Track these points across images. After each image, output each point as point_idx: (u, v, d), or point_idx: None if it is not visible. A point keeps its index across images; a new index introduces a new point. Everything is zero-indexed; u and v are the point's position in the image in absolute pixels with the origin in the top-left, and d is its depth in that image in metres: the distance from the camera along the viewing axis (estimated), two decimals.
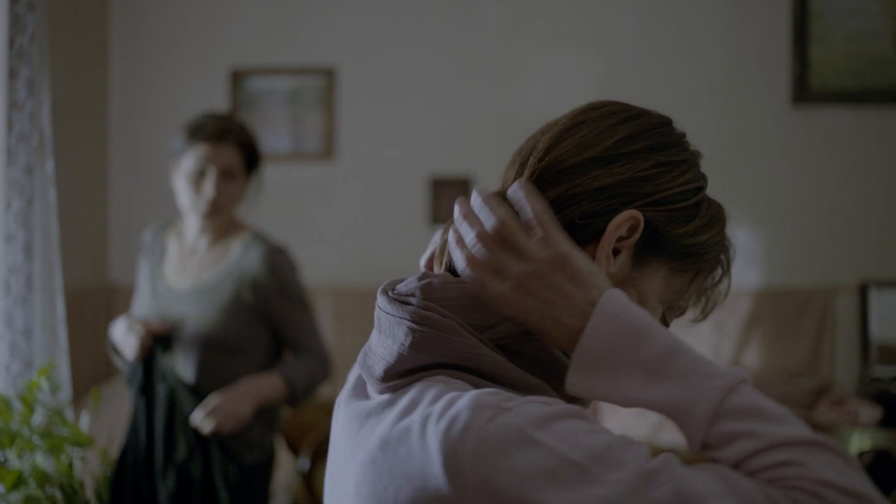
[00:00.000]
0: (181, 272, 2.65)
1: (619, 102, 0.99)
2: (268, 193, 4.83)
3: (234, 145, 2.59)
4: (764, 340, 4.49)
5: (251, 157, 2.67)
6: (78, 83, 4.45)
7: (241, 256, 2.64)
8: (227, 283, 2.60)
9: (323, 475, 2.75)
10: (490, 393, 0.76)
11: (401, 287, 0.88)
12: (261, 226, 4.83)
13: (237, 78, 4.80)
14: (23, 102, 3.38)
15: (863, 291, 4.46)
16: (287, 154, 4.81)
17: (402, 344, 0.84)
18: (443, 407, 0.77)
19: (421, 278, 0.87)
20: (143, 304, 2.65)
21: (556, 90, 4.72)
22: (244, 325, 2.58)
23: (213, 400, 2.42)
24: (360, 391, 0.93)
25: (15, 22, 3.38)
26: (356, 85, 4.79)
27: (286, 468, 4.04)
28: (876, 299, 4.43)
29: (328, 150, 4.78)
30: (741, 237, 4.58)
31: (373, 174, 4.80)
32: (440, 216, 4.76)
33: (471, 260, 0.85)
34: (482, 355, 0.82)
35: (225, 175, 2.59)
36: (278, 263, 2.63)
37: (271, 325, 2.62)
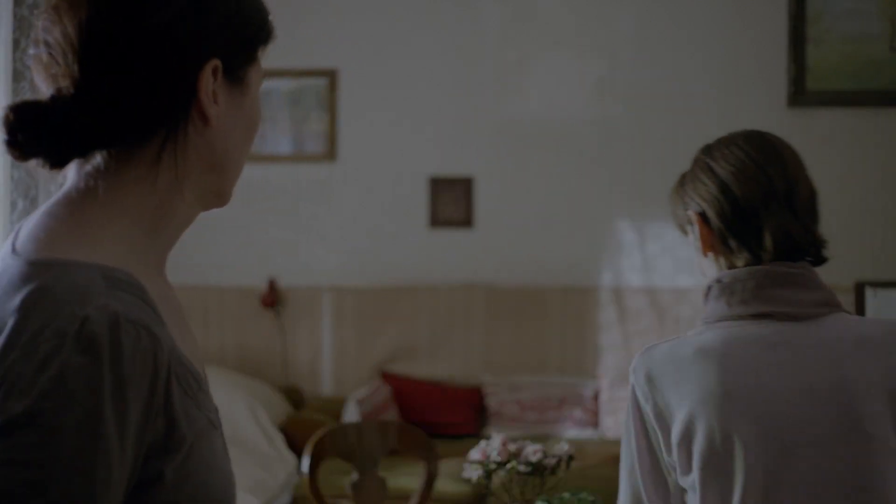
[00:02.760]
0: (196, 348, 1.20)
1: None
2: (269, 194, 4.87)
3: None
4: None
5: None
6: None
7: None
8: None
9: (324, 475, 2.78)
10: None
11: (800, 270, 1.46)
12: (262, 226, 4.89)
13: None
14: None
15: (859, 292, 4.49)
16: (288, 155, 4.84)
17: (829, 295, 1.45)
18: (889, 326, 1.41)
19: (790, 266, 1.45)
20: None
21: (555, 91, 4.75)
22: None
23: None
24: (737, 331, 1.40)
25: (19, 24, 3.42)
26: (357, 86, 4.82)
27: (287, 468, 4.07)
28: (872, 300, 4.46)
29: (329, 152, 4.82)
30: None
31: (373, 175, 4.83)
32: (440, 216, 4.79)
33: None
34: None
35: None
36: None
37: None
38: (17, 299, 0.85)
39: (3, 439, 0.81)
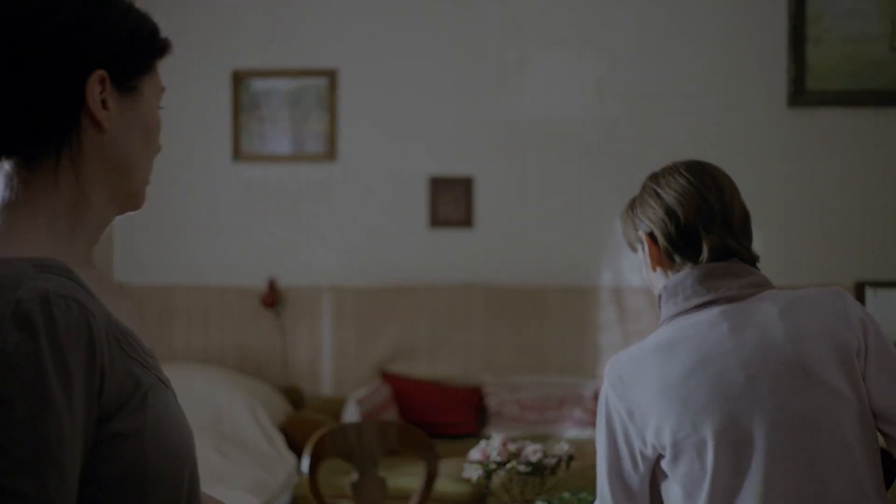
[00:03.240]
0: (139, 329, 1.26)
1: None
2: (269, 194, 4.88)
3: None
4: None
5: None
6: None
7: None
8: None
9: (324, 475, 2.78)
10: None
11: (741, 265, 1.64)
12: (262, 226, 4.89)
13: (239, 79, 4.83)
14: None
15: (859, 292, 4.49)
16: (288, 155, 4.84)
17: (761, 278, 1.62)
18: (817, 289, 1.62)
19: (732, 261, 1.62)
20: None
21: (555, 91, 4.75)
22: None
23: None
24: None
25: None
26: (357, 86, 4.82)
27: (287, 468, 4.07)
28: (872, 300, 4.46)
29: (329, 152, 4.82)
30: None
31: (373, 175, 4.84)
32: (440, 217, 4.79)
33: None
34: None
35: None
36: None
37: None
38: None
39: None
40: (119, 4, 1.13)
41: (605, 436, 1.61)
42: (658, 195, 1.66)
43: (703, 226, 1.61)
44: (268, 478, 3.89)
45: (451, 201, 4.79)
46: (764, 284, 1.61)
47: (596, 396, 4.61)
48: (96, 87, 1.07)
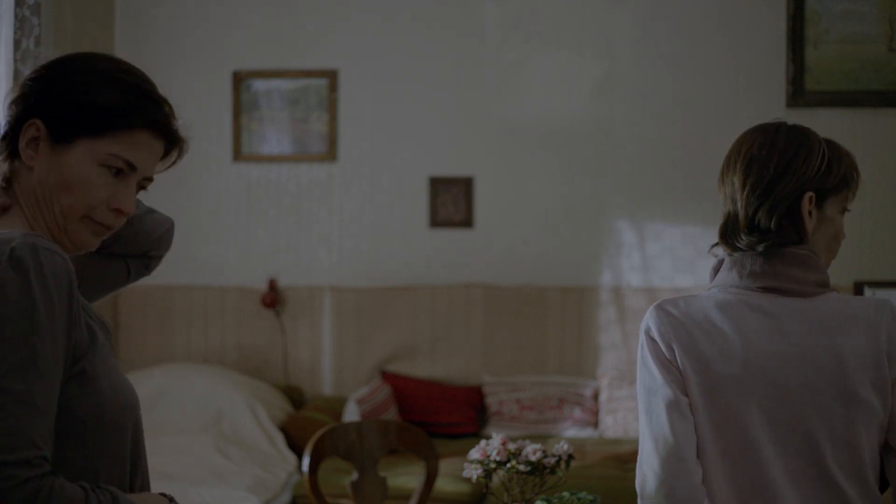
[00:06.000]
0: None
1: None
2: (269, 194, 4.88)
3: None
4: None
5: None
6: None
7: None
8: None
9: (324, 475, 2.79)
10: None
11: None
12: (262, 226, 4.90)
13: (239, 80, 4.84)
14: None
15: (858, 291, 4.50)
16: (289, 155, 4.85)
17: (822, 274, 1.64)
18: (871, 300, 1.64)
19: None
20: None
21: (555, 92, 4.76)
22: None
23: None
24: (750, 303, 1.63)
25: (21, 25, 3.43)
26: (357, 86, 4.83)
27: (287, 467, 4.08)
28: None
29: (329, 152, 4.83)
30: None
31: (374, 175, 4.84)
32: (440, 216, 4.80)
33: None
34: None
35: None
36: None
37: None
38: None
39: None
40: (85, 79, 1.36)
41: (661, 372, 1.61)
42: (723, 181, 1.70)
43: (727, 241, 1.67)
44: (268, 477, 3.90)
45: (451, 201, 4.80)
46: (826, 284, 1.65)
47: (596, 396, 4.62)
48: (28, 131, 1.34)
